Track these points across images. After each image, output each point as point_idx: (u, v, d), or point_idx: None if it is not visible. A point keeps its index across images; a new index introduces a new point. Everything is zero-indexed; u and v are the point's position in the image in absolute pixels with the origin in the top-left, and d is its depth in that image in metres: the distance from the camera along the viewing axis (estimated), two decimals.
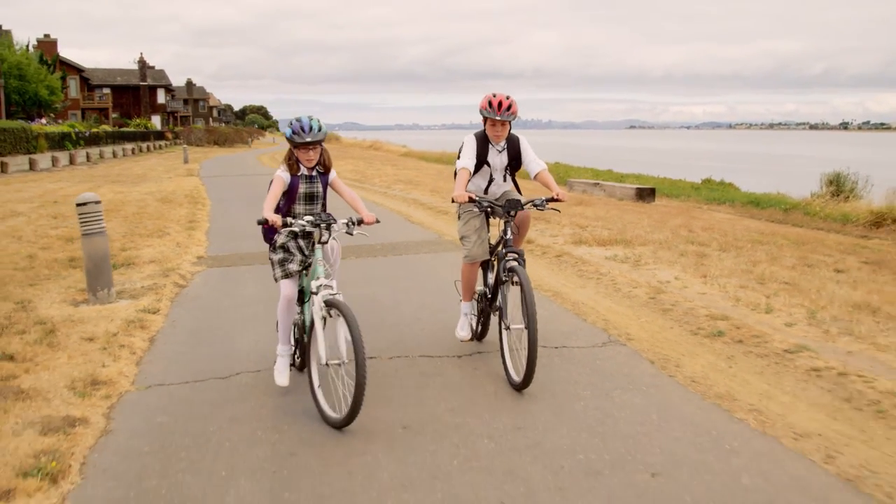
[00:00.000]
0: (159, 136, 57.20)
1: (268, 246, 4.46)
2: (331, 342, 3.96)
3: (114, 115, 63.94)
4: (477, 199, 4.76)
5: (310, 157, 4.25)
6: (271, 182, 4.26)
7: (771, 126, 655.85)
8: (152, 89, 71.44)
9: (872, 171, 19.38)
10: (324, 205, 4.48)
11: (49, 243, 9.69)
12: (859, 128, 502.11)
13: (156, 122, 68.77)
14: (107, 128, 43.30)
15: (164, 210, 13.86)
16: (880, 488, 3.24)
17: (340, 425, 3.86)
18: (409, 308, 6.50)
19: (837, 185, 18.02)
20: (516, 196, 4.99)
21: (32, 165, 27.87)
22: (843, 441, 3.74)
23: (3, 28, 48.15)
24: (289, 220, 4.13)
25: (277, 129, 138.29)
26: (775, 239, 10.02)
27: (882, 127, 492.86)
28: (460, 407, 4.21)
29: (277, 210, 4.28)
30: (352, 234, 4.32)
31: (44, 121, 40.63)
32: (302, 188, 4.33)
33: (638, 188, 16.78)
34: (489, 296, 5.09)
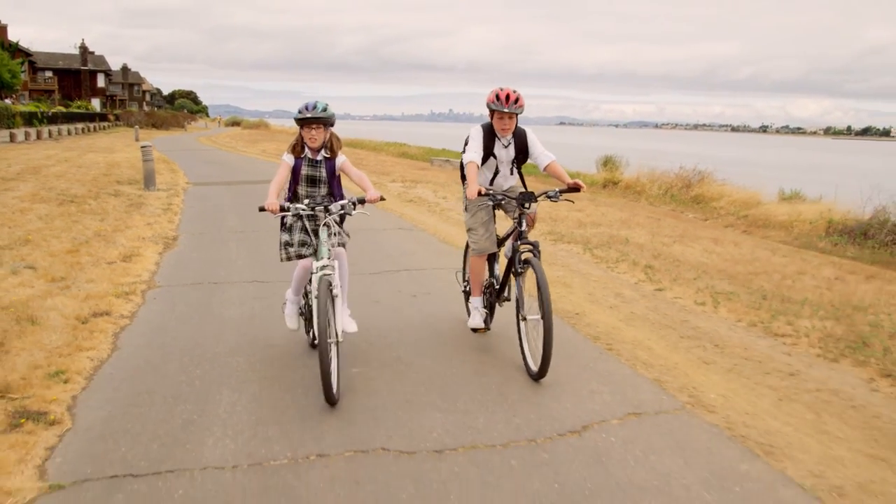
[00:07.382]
0: (102, 118, 62.80)
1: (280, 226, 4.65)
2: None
3: (57, 98, 68.86)
4: (491, 192, 4.70)
5: (312, 135, 4.39)
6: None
7: (696, 127, 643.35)
8: (93, 73, 76.40)
9: (689, 161, 26.86)
10: (331, 189, 4.60)
11: (96, 176, 17.09)
12: (777, 131, 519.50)
13: (95, 104, 73.66)
14: (62, 109, 49.15)
15: None
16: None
17: (329, 402, 3.99)
18: None
19: (608, 164, 26.87)
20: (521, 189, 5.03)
21: (12, 138, 34.16)
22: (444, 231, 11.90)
23: None
24: (286, 204, 4.30)
25: (207, 115, 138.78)
26: None
27: (798, 131, 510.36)
28: None
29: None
30: (351, 214, 4.38)
31: (9, 101, 46.30)
32: (304, 171, 4.52)
33: None
34: (496, 286, 5.15)
